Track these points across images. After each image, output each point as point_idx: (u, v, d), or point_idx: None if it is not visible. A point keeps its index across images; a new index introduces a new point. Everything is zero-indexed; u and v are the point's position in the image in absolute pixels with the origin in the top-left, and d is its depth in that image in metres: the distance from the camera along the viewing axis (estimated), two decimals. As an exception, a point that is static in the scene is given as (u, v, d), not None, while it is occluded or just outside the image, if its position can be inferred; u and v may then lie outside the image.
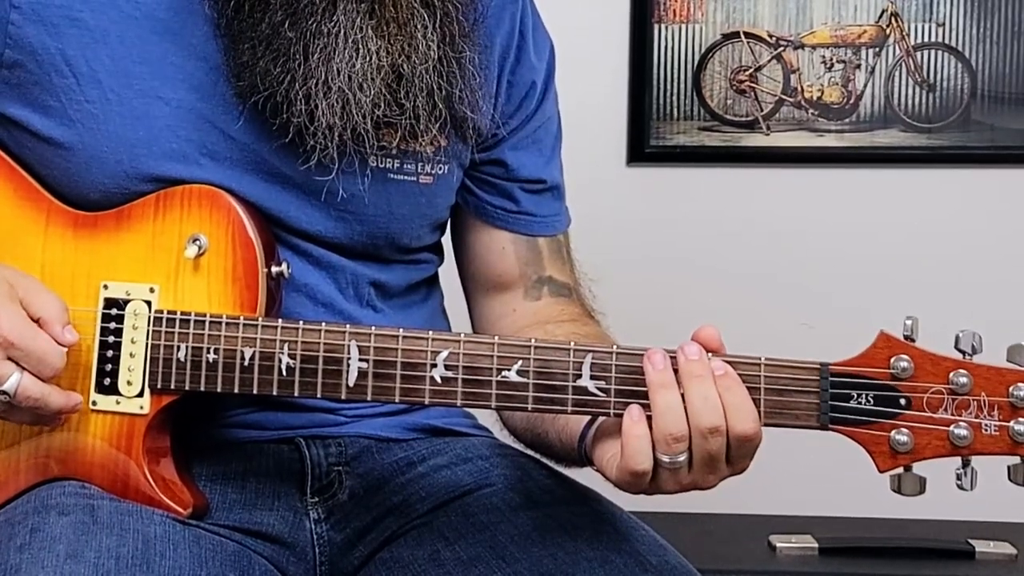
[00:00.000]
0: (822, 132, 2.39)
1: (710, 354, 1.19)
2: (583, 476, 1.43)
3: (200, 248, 1.29)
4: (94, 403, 1.29)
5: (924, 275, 2.35)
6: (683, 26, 2.37)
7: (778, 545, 2.03)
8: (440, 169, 1.41)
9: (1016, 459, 1.17)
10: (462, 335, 1.24)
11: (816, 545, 2.03)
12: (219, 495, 1.35)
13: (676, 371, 1.19)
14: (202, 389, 1.27)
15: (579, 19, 2.33)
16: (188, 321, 1.27)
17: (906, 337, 1.18)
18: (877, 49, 2.37)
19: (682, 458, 1.18)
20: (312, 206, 1.36)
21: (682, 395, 1.18)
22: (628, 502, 1.41)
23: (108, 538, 1.22)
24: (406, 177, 1.39)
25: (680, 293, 2.34)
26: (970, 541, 2.03)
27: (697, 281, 2.39)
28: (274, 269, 1.31)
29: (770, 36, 2.38)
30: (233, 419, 1.37)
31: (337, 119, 1.29)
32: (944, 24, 2.35)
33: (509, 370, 1.22)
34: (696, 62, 2.38)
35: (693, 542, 1.83)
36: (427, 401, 1.24)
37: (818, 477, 2.28)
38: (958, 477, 1.17)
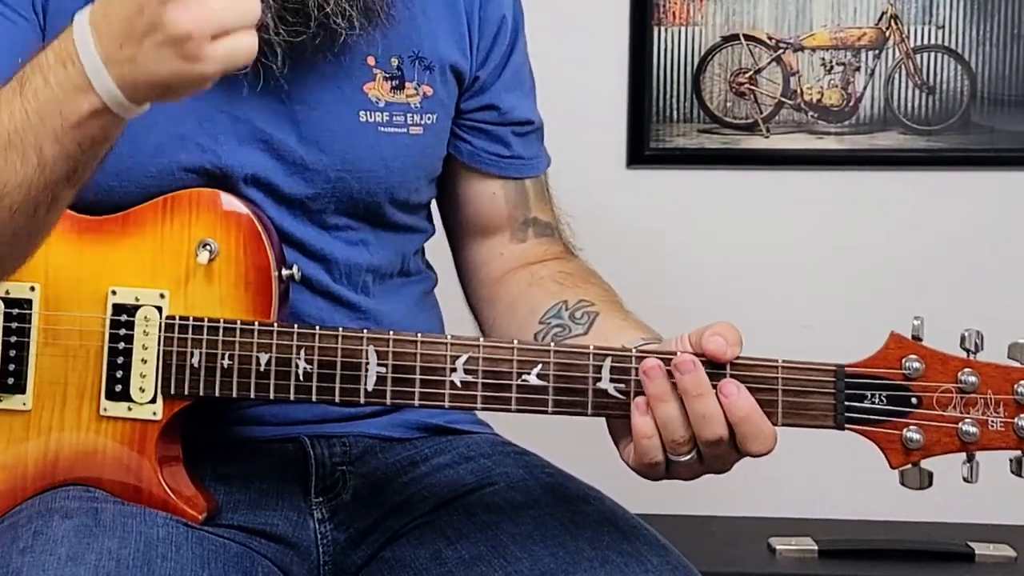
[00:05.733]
0: (822, 134, 2.38)
1: (727, 367, 1.20)
2: (587, 475, 1.44)
3: (212, 253, 1.29)
4: (104, 409, 1.29)
5: (924, 277, 2.35)
6: (682, 28, 2.37)
7: (777, 547, 2.04)
8: (429, 119, 1.43)
9: (1018, 452, 1.21)
10: (480, 339, 1.25)
11: (815, 547, 2.03)
12: (223, 495, 1.36)
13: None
14: (217, 395, 1.27)
15: (578, 21, 2.33)
16: (201, 327, 1.27)
17: (914, 337, 1.21)
18: (877, 51, 2.37)
19: (689, 456, 1.21)
20: (309, 169, 1.37)
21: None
22: (630, 503, 1.41)
23: (110, 540, 1.22)
24: (396, 130, 1.40)
25: (680, 295, 2.34)
26: (969, 543, 2.03)
27: (697, 283, 2.39)
28: (284, 272, 1.31)
29: (769, 38, 2.37)
30: (235, 415, 1.38)
31: None
32: (944, 26, 2.35)
33: (529, 374, 1.23)
34: (696, 64, 2.38)
35: (693, 544, 1.82)
36: (447, 405, 1.25)
37: (818, 479, 2.28)
38: (965, 470, 1.20)
